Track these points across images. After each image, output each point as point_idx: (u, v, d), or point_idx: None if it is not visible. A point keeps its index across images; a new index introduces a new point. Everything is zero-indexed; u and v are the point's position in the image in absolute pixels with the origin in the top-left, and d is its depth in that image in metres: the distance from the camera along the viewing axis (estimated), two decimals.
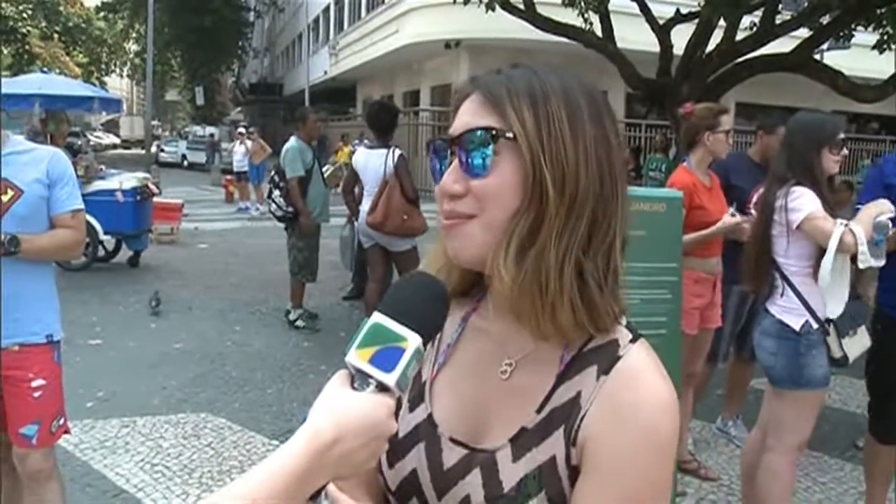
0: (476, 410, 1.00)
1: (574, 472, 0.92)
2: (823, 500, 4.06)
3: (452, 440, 1.00)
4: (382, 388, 0.85)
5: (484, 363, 1.02)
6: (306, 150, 7.10)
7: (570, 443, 0.92)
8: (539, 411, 0.95)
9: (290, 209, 6.95)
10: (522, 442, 0.95)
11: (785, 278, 3.18)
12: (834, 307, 3.07)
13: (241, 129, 20.28)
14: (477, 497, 0.95)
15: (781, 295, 3.18)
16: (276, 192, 7.01)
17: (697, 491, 4.06)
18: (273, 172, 7.28)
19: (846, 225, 2.97)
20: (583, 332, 0.93)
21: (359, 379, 0.85)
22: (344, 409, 0.83)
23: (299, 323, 7.26)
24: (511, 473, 0.94)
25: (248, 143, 17.80)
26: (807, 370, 3.11)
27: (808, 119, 3.29)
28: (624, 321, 0.98)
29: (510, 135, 0.90)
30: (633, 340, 0.96)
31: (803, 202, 3.06)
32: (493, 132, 0.90)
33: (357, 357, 0.85)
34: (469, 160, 0.92)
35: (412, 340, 0.85)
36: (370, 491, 1.03)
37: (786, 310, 3.16)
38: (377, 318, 0.87)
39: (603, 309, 0.92)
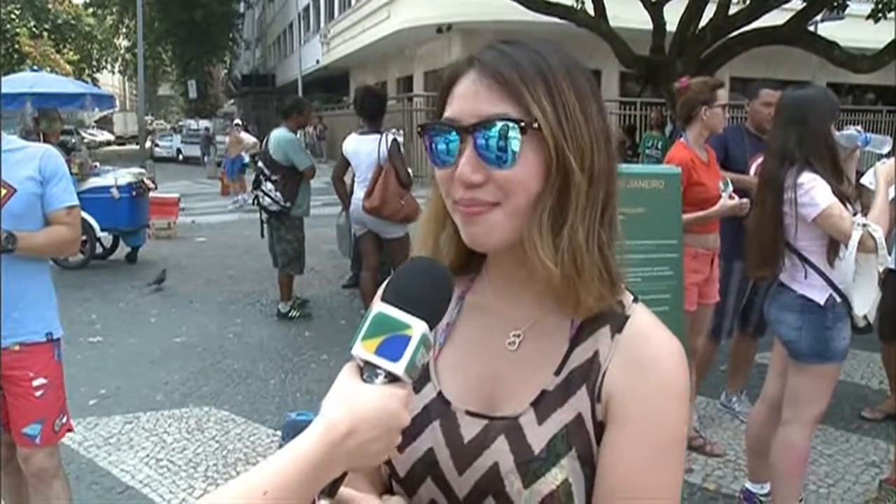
0: (487, 383, 1.01)
1: (600, 427, 0.95)
2: (830, 472, 4.06)
3: (469, 412, 1.00)
4: (392, 378, 0.84)
5: (488, 337, 1.03)
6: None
7: (594, 399, 0.95)
8: (558, 374, 0.97)
9: (288, 203, 6.88)
10: (545, 405, 0.96)
11: (804, 259, 3.14)
12: (861, 305, 3.05)
13: (238, 121, 20.46)
14: (506, 464, 0.95)
15: (805, 276, 3.15)
16: (270, 186, 6.86)
17: (703, 467, 4.06)
18: (260, 164, 7.17)
19: (865, 225, 2.93)
20: (607, 302, 0.96)
21: (367, 370, 0.85)
22: (357, 401, 0.82)
23: (293, 314, 7.24)
24: (539, 436, 0.95)
25: (243, 134, 17.88)
26: (832, 343, 3.11)
27: (816, 94, 3.25)
28: (623, 283, 1.01)
29: (535, 125, 0.89)
30: (634, 301, 1.01)
31: (816, 195, 3.01)
32: (521, 124, 0.89)
33: (363, 348, 0.85)
34: (493, 151, 0.90)
35: (417, 327, 0.84)
36: (373, 483, 1.03)
37: (808, 285, 3.14)
38: (380, 307, 0.86)
39: (616, 276, 0.97)
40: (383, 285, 0.93)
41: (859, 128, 3.36)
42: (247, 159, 17.51)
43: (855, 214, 3.03)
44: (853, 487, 3.91)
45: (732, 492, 3.81)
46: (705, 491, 3.84)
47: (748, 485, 3.67)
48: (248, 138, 18.17)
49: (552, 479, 0.92)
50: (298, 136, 7.21)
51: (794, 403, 3.24)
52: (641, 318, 0.98)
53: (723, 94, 3.97)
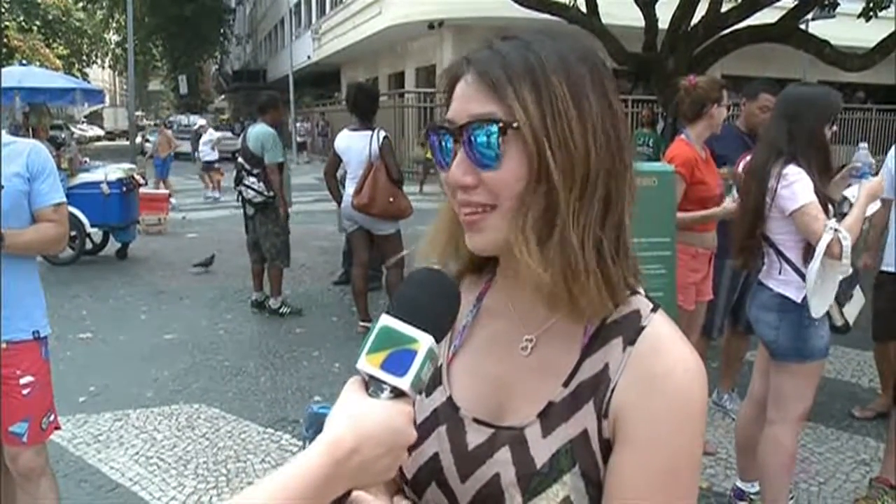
0: (497, 389, 0.98)
1: (606, 446, 0.90)
2: (821, 470, 4.07)
3: (476, 420, 0.98)
4: (398, 393, 0.82)
5: (502, 342, 1.00)
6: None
7: (601, 415, 0.90)
8: (566, 385, 0.93)
9: (272, 194, 6.87)
10: (551, 417, 0.93)
11: (781, 254, 3.15)
12: (818, 307, 3.02)
13: (202, 122, 20.75)
14: (507, 476, 0.92)
15: (780, 272, 3.16)
16: (252, 179, 6.86)
17: None
18: (239, 158, 7.12)
19: (836, 231, 2.91)
20: (606, 309, 0.91)
21: (373, 385, 0.82)
22: (363, 418, 0.80)
23: (283, 310, 7.21)
24: (542, 450, 0.91)
25: (213, 132, 18.08)
26: (811, 342, 3.10)
27: (815, 92, 3.22)
28: (642, 291, 0.97)
29: (515, 125, 0.86)
30: (653, 310, 0.95)
31: (797, 189, 3.00)
32: (500, 124, 0.87)
33: (368, 363, 0.82)
34: (477, 152, 0.88)
35: (423, 341, 0.82)
36: (387, 483, 1.00)
37: (785, 283, 3.14)
38: (385, 320, 0.84)
39: (617, 282, 0.91)
40: (393, 297, 0.90)
41: (873, 163, 3.31)
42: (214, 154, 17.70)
43: (830, 218, 3.02)
44: (844, 485, 3.92)
45: (724, 490, 3.81)
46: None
47: (739, 483, 3.67)
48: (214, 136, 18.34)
49: (553, 496, 0.89)
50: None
51: (778, 403, 3.24)
52: (658, 330, 0.92)
53: (725, 94, 3.96)
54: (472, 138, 0.88)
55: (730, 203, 3.81)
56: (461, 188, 0.90)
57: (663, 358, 0.90)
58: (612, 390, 0.90)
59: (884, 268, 4.27)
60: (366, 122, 6.30)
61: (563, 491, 0.89)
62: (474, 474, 0.95)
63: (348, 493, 0.82)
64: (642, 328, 0.92)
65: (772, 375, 3.26)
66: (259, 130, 6.94)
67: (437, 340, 0.84)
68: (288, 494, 0.75)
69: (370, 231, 6.34)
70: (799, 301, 3.08)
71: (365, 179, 6.09)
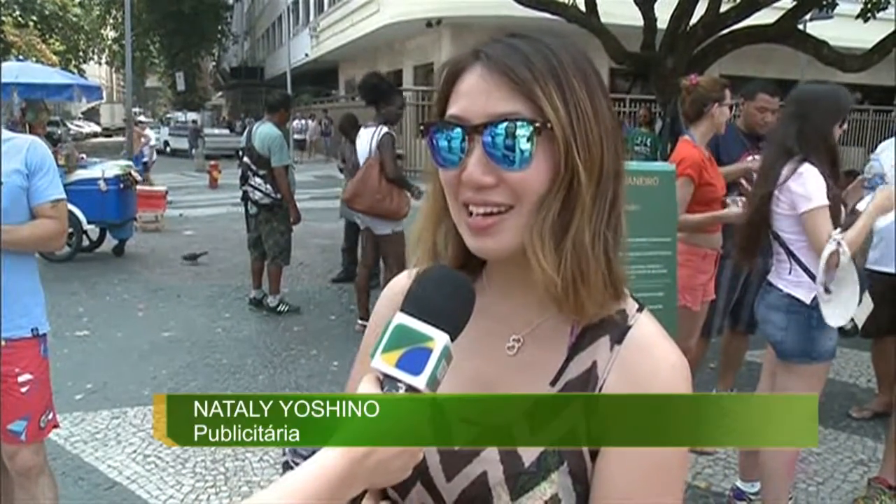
0: (484, 389, 0.98)
1: None
2: (819, 470, 4.07)
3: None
4: (413, 391, 0.81)
5: (488, 342, 0.99)
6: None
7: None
8: (553, 384, 0.93)
9: (279, 195, 6.83)
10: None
11: (791, 254, 3.13)
12: (834, 316, 2.98)
13: (141, 119, 20.64)
14: (495, 475, 0.92)
15: (789, 272, 3.15)
16: (258, 180, 6.82)
17: (694, 465, 4.06)
18: (245, 158, 7.05)
19: (839, 244, 2.88)
20: (605, 308, 0.92)
21: (387, 384, 0.82)
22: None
23: (281, 308, 7.19)
24: (530, 448, 0.91)
25: (150, 133, 18.13)
26: (818, 343, 3.09)
27: (825, 91, 3.21)
28: (628, 291, 0.97)
29: (549, 125, 0.85)
30: (639, 310, 0.96)
31: (812, 189, 2.98)
32: (536, 124, 0.85)
33: (383, 361, 0.82)
34: (505, 152, 0.86)
35: (439, 339, 0.82)
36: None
37: (794, 283, 3.13)
38: (400, 318, 0.83)
39: (620, 281, 0.93)
40: (408, 295, 0.88)
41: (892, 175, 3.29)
42: (154, 156, 17.70)
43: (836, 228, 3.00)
44: (842, 486, 3.92)
45: (723, 490, 3.81)
46: (696, 489, 3.84)
47: (739, 483, 3.67)
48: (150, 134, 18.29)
49: (540, 494, 0.89)
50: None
51: None
52: (644, 330, 0.94)
53: (728, 93, 3.93)
54: (498, 137, 0.86)
55: (735, 207, 3.79)
56: (478, 188, 0.88)
57: (649, 357, 0.92)
58: (600, 389, 0.91)
59: (873, 266, 4.27)
60: (379, 115, 6.18)
61: (550, 489, 0.89)
62: (461, 473, 0.95)
63: (363, 493, 0.82)
64: (629, 327, 0.93)
65: (778, 376, 3.26)
66: (265, 131, 6.85)
67: (453, 338, 0.83)
68: (305, 495, 0.75)
69: (371, 230, 6.29)
70: (808, 302, 3.07)
71: (358, 174, 6.06)
